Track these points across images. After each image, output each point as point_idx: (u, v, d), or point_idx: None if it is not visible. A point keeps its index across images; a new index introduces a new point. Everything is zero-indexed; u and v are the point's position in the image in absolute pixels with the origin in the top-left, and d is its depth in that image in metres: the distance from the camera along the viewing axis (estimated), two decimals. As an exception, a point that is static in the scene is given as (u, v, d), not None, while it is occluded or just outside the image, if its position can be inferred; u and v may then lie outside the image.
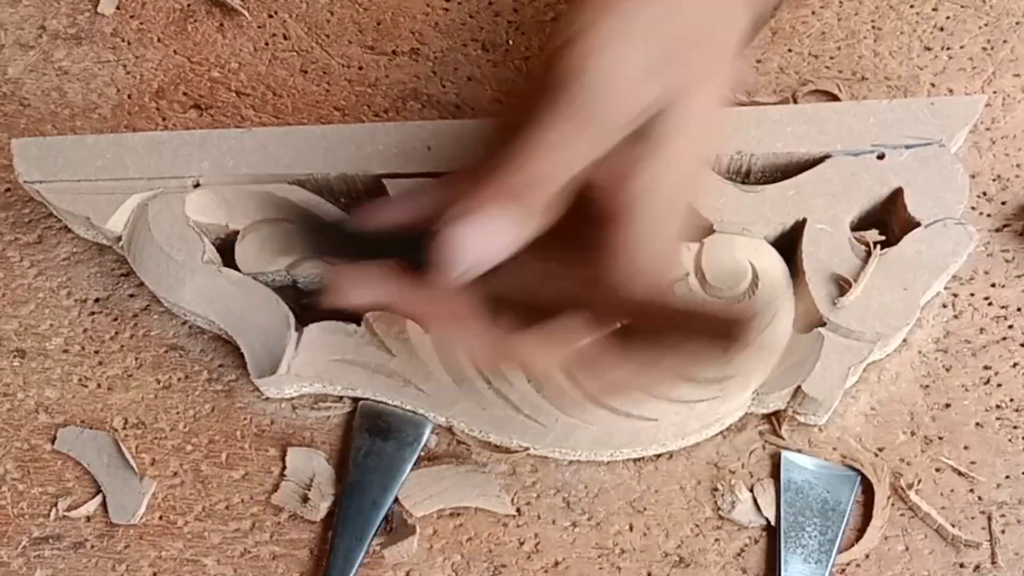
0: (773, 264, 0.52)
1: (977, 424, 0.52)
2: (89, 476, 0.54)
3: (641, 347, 0.41)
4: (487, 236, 0.38)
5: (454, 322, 0.41)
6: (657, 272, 0.40)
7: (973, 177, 0.56)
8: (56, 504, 0.53)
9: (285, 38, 0.63)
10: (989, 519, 0.50)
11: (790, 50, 0.60)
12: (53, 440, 0.54)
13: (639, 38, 0.38)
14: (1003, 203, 0.56)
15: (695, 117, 0.39)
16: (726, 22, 0.42)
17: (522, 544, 0.51)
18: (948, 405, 0.52)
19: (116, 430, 0.54)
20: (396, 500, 0.52)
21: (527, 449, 0.52)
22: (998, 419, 0.52)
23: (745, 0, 0.43)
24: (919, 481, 0.51)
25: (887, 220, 0.53)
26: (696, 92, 0.39)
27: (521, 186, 0.38)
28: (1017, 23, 0.60)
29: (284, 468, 0.53)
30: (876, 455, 0.51)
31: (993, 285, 0.54)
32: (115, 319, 0.57)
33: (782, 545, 0.50)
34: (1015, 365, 0.53)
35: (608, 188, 0.39)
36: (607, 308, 0.41)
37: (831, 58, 0.59)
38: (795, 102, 0.58)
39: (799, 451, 0.52)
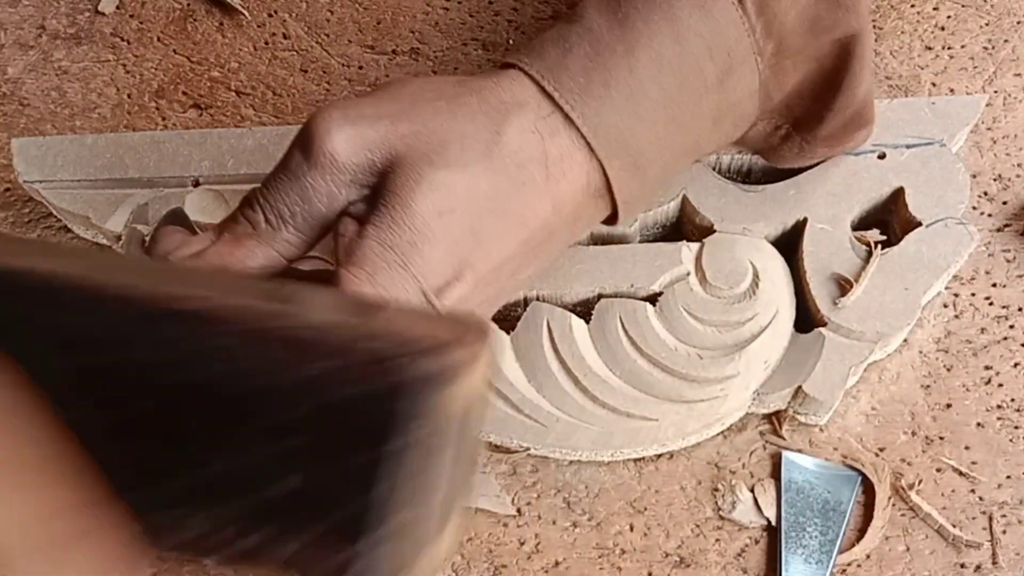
0: (774, 264, 0.52)
1: (978, 424, 0.52)
2: (89, 476, 0.54)
3: None
4: (228, 255, 0.41)
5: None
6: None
7: (974, 177, 0.56)
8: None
9: (285, 37, 0.63)
10: (990, 519, 0.50)
11: (791, 50, 0.60)
12: (53, 440, 0.54)
13: (373, 97, 0.42)
14: (1004, 203, 0.56)
15: (418, 192, 0.40)
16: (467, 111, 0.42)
17: (522, 544, 0.51)
18: (949, 405, 0.52)
19: (116, 430, 0.54)
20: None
21: (527, 449, 0.52)
22: (999, 419, 0.52)
23: (493, 108, 0.42)
24: (920, 481, 0.51)
25: (888, 220, 0.53)
26: (419, 169, 0.40)
27: (255, 203, 0.41)
28: (1018, 22, 0.60)
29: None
30: (877, 455, 0.51)
31: (994, 285, 0.54)
32: (115, 319, 0.56)
33: (783, 545, 0.50)
34: (1016, 365, 0.53)
35: (340, 250, 0.41)
36: None
37: (832, 58, 0.59)
38: (796, 102, 0.58)
39: (800, 451, 0.52)
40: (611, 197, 0.44)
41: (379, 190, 0.41)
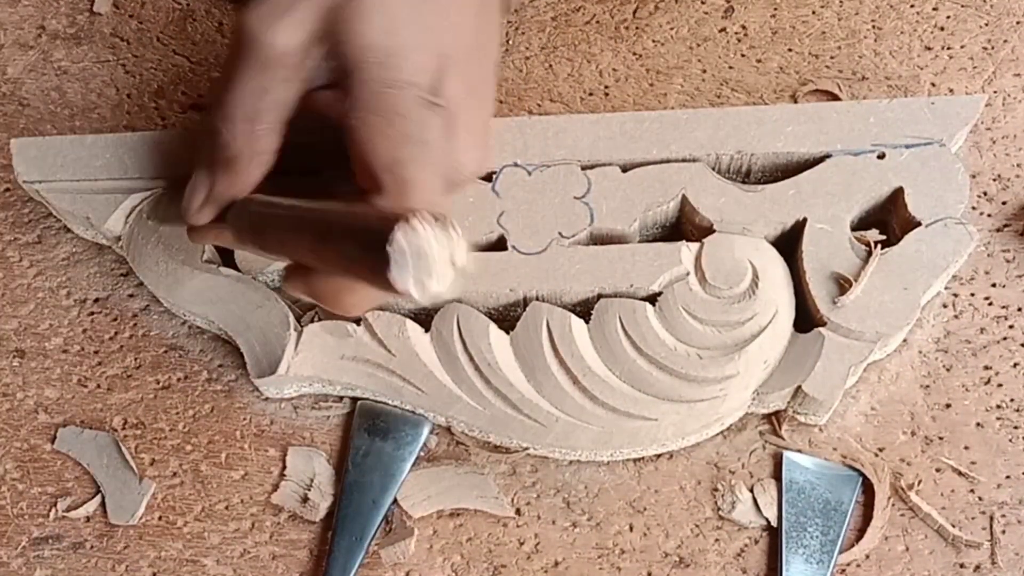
0: (773, 264, 0.52)
1: (978, 424, 0.52)
2: (88, 476, 0.54)
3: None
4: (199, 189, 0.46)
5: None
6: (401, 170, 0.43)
7: (973, 177, 0.56)
8: (56, 504, 0.53)
9: (285, 38, 0.63)
10: (990, 519, 0.50)
11: (790, 50, 0.60)
12: (53, 440, 0.54)
13: None
14: (1004, 203, 0.56)
15: (362, 22, 0.43)
16: None
17: (522, 544, 0.51)
18: (948, 405, 0.52)
19: (115, 430, 0.54)
20: (395, 501, 0.52)
21: (527, 449, 0.52)
22: (999, 419, 0.52)
23: None
24: (919, 481, 0.51)
25: (887, 220, 0.53)
26: (352, 5, 0.43)
27: (220, 122, 0.45)
28: (1018, 23, 0.60)
29: (284, 468, 0.53)
30: (876, 455, 0.51)
31: (994, 285, 0.54)
32: (115, 319, 0.57)
33: (784, 545, 0.50)
34: (1015, 365, 0.53)
35: (335, 111, 0.44)
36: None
37: (831, 58, 0.59)
38: (795, 102, 0.58)
39: (799, 451, 0.52)
40: None
41: (333, 49, 0.43)
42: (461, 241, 0.37)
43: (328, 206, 0.42)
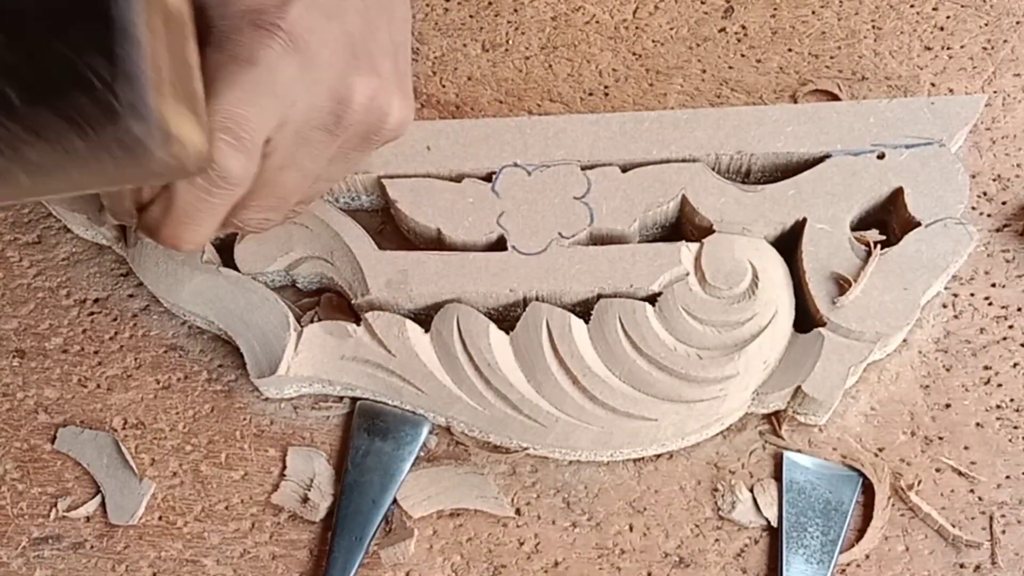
0: (773, 264, 0.52)
1: (977, 424, 0.52)
2: (88, 476, 0.54)
3: None
4: None
5: None
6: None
7: (973, 177, 0.56)
8: (56, 504, 0.53)
9: (285, 38, 0.63)
10: (990, 519, 0.50)
11: (790, 50, 0.60)
12: (53, 440, 0.54)
13: None
14: (1003, 203, 0.56)
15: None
16: None
17: (522, 544, 0.51)
18: (948, 405, 0.52)
19: (115, 430, 0.54)
20: (395, 501, 0.52)
21: (527, 449, 0.52)
22: (998, 419, 0.52)
23: None
24: (919, 481, 0.51)
25: (887, 220, 0.53)
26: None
27: None
28: (1017, 23, 0.60)
29: (284, 468, 0.53)
30: (876, 455, 0.51)
31: (993, 285, 0.54)
32: (115, 319, 0.57)
33: (784, 545, 0.50)
34: (1015, 365, 0.53)
35: None
36: None
37: (831, 58, 0.59)
38: (795, 102, 0.58)
39: (799, 451, 0.52)
40: None
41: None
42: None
43: None
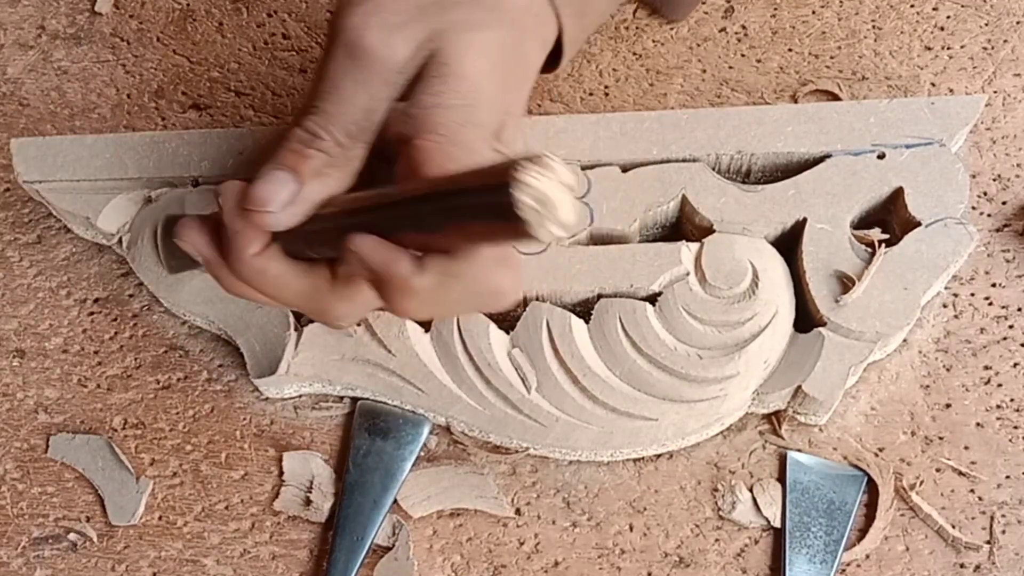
0: (773, 264, 0.52)
1: (978, 424, 0.52)
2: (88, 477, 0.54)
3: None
4: (279, 188, 0.43)
5: (261, 276, 0.44)
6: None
7: (973, 177, 0.56)
8: (56, 505, 0.53)
9: (285, 37, 0.63)
10: (990, 519, 0.50)
11: (790, 50, 0.60)
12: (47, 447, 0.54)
13: None
14: (1003, 203, 0.56)
15: (466, 57, 0.43)
16: None
17: (522, 544, 0.51)
18: (948, 405, 0.52)
19: (115, 430, 0.54)
20: (395, 501, 0.52)
21: (527, 449, 0.52)
22: (998, 419, 0.52)
23: None
24: (920, 482, 0.51)
25: (887, 220, 0.53)
26: (462, 38, 0.44)
27: (323, 129, 0.43)
28: (1017, 23, 0.60)
29: (282, 473, 0.53)
30: (876, 455, 0.51)
31: (993, 285, 0.54)
32: (115, 319, 0.57)
33: (787, 545, 0.50)
34: (1015, 365, 0.53)
35: (407, 128, 0.43)
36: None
37: (831, 58, 0.59)
38: (795, 102, 0.58)
39: (799, 451, 0.52)
40: (559, 34, 0.49)
41: (426, 65, 0.43)
42: (573, 172, 0.36)
43: (418, 181, 0.42)
